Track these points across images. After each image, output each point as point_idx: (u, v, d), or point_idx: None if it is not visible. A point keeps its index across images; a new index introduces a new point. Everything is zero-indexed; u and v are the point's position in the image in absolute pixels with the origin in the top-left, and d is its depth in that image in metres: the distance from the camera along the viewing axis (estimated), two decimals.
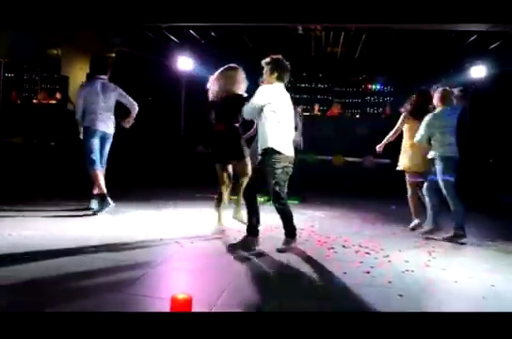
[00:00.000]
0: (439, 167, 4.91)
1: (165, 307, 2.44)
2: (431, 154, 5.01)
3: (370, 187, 8.19)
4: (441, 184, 4.89)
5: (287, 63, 4.18)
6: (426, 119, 4.99)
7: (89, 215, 5.30)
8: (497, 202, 7.12)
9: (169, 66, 10.61)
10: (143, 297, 2.88)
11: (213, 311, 2.67)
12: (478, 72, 10.44)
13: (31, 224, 4.68)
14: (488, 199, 5.17)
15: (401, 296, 3.12)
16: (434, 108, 5.17)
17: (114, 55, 11.27)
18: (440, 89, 5.10)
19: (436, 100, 5.09)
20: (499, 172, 5.22)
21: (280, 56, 4.20)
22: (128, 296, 2.88)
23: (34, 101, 12.34)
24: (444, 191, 4.90)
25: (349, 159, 8.70)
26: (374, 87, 14.06)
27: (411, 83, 11.07)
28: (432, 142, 5.00)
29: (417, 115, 5.28)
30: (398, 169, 5.49)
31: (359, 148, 8.68)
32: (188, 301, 2.07)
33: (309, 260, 3.94)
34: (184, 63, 10.25)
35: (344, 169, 8.88)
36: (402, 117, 5.53)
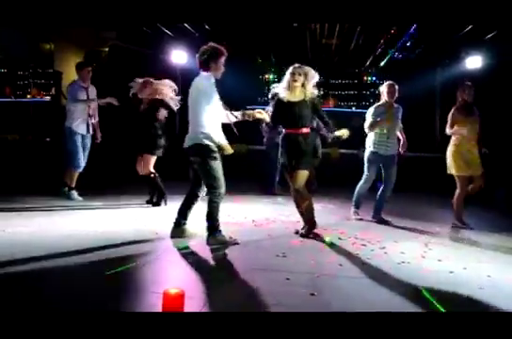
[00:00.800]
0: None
1: (157, 302, 2.42)
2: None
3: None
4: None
5: (209, 49, 4.00)
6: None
7: (84, 210, 5.30)
8: (493, 196, 7.12)
9: (164, 59, 10.54)
10: (136, 291, 2.86)
11: (206, 306, 2.65)
12: (474, 62, 10.40)
13: (26, 220, 4.65)
14: (484, 192, 5.18)
15: (397, 287, 3.11)
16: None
17: (107, 49, 11.20)
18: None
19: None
20: (495, 165, 5.19)
21: (208, 45, 4.04)
22: (121, 290, 2.86)
23: (28, 96, 12.29)
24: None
25: (344, 151, 8.69)
26: (369, 78, 14.03)
27: (407, 74, 11.03)
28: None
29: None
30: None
31: (354, 140, 8.63)
32: (181, 296, 2.05)
33: (305, 252, 3.93)
34: (179, 56, 10.19)
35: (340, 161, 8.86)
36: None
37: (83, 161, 5.91)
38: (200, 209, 4.29)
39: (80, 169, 5.88)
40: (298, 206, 4.54)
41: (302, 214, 4.56)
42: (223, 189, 4.06)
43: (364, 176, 5.44)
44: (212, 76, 4.04)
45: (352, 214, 5.53)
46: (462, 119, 5.13)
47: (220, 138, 4.01)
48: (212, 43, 4.08)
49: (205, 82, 4.00)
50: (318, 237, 4.42)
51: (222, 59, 4.06)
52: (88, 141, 6.04)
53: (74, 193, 5.88)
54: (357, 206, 5.54)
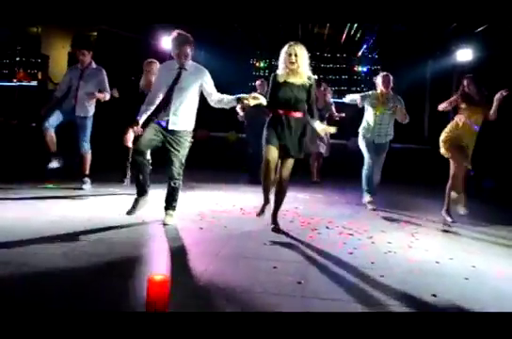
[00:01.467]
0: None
1: (142, 288, 2.39)
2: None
3: (354, 169, 8.18)
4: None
5: (178, 38, 4.03)
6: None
7: (70, 195, 5.24)
8: (480, 187, 7.17)
9: (154, 45, 10.40)
10: (121, 277, 2.82)
11: (191, 294, 2.63)
12: (464, 55, 10.43)
13: (10, 206, 4.58)
14: (471, 183, 5.20)
15: (383, 276, 3.11)
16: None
17: (96, 33, 11.02)
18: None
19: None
20: (482, 156, 5.22)
21: (175, 33, 4.07)
22: (106, 276, 2.84)
23: (14, 80, 12.08)
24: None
25: (333, 141, 8.69)
26: (360, 69, 14.02)
27: (398, 65, 11.04)
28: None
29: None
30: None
31: (344, 130, 8.62)
32: (165, 282, 2.02)
33: (292, 241, 3.92)
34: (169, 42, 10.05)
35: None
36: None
37: (49, 123, 5.51)
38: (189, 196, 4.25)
39: (44, 128, 5.55)
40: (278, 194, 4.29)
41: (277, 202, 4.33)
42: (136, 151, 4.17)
43: (366, 161, 5.45)
44: (169, 63, 4.27)
45: (367, 204, 5.49)
46: (464, 106, 4.93)
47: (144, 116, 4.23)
48: (177, 31, 4.06)
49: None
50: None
51: (185, 47, 4.01)
52: (82, 123, 5.68)
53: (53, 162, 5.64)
54: (369, 192, 5.46)
